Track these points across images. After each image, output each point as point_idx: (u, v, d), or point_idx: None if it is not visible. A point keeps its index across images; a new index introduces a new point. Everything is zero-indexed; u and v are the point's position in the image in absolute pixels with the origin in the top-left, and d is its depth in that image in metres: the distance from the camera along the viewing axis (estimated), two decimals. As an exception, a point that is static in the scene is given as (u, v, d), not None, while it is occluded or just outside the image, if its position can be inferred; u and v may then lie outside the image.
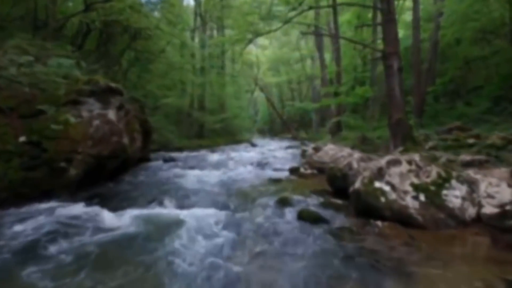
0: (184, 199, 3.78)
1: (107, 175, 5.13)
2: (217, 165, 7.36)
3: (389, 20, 7.02)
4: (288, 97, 32.59)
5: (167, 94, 13.42)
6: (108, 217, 3.01)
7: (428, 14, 12.94)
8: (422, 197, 2.64)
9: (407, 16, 14.95)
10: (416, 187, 2.70)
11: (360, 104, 13.44)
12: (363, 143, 9.07)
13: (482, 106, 9.92)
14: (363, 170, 3.61)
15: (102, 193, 4.34)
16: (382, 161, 2.88)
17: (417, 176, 2.76)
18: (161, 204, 3.58)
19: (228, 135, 18.40)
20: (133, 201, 3.88)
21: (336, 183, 3.77)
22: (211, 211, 3.18)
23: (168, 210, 3.36)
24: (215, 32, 20.08)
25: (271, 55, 28.87)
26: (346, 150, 3.81)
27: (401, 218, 2.62)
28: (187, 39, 14.18)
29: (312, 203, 3.47)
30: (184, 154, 10.48)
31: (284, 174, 6.07)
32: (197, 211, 3.19)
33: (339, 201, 3.31)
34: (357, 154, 3.74)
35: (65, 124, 4.07)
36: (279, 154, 10.22)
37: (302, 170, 5.96)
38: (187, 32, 16.23)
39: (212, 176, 5.49)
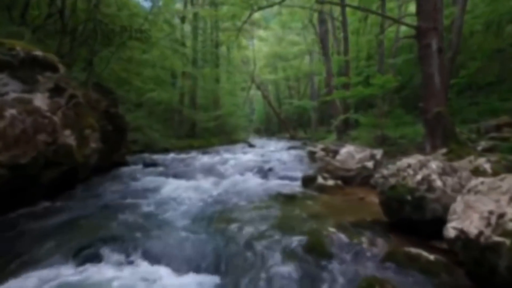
0: (142, 244, 2.18)
1: (45, 190, 3.53)
2: (208, 172, 5.77)
3: (427, -14, 5.53)
4: (286, 95, 31.16)
5: (153, 87, 11.76)
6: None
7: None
8: None
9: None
10: None
11: (367, 99, 11.99)
12: (383, 144, 7.61)
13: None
14: (453, 192, 2.09)
15: (18, 223, 2.73)
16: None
17: None
18: (97, 257, 1.98)
19: (223, 134, 16.83)
20: (58, 242, 2.29)
21: (402, 212, 2.23)
22: (185, 278, 1.62)
23: (106, 271, 1.79)
24: (208, 26, 18.48)
25: (268, 50, 27.34)
26: (417, 159, 2.28)
27: None
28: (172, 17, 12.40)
29: (370, 254, 1.93)
30: (170, 156, 8.89)
31: (296, 184, 4.55)
32: (158, 279, 1.63)
33: (424, 253, 1.77)
34: (435, 163, 2.21)
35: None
36: (282, 156, 8.66)
37: (320, 180, 4.42)
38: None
39: (199, 191, 3.91)
